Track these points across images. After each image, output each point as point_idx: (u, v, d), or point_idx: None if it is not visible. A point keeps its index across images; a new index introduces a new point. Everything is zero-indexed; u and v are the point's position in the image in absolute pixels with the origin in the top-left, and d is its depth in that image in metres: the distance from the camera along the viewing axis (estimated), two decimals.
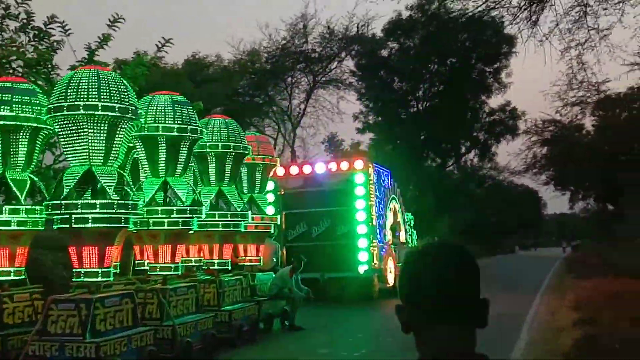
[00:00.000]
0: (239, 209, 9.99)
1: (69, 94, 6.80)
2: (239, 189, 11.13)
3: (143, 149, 8.20)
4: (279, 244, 13.78)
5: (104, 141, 6.89)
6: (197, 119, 8.56)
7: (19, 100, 7.25)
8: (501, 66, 43.08)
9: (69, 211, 6.69)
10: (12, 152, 7.33)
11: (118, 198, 7.01)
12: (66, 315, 6.68)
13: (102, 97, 6.80)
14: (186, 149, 8.27)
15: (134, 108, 7.10)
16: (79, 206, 6.69)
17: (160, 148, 8.10)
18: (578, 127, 37.83)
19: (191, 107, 8.47)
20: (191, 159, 9.49)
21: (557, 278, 24.94)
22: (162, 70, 23.44)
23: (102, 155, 6.91)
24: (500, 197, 57.66)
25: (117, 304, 7.06)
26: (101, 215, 6.73)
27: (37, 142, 7.54)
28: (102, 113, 6.76)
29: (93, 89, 6.79)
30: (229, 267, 10.28)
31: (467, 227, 44.45)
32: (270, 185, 16.33)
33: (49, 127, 7.34)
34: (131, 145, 8.16)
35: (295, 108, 36.58)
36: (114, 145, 7.00)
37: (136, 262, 9.71)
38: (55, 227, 6.91)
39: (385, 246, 16.83)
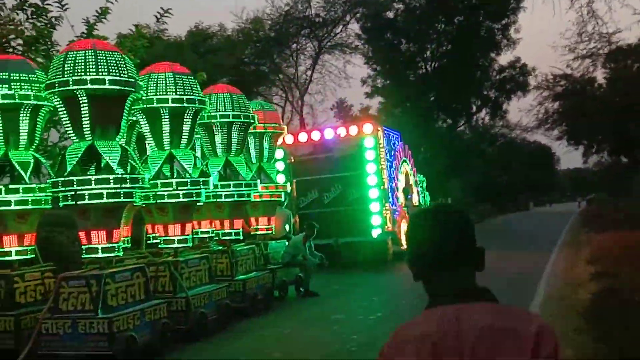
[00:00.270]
0: (247, 179, 9.90)
1: (66, 69, 6.67)
2: (247, 158, 11.03)
3: (146, 122, 8.09)
4: (290, 212, 13.70)
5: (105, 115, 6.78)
6: (199, 89, 8.42)
7: (17, 77, 7.13)
8: (509, 22, 42.26)
9: (73, 188, 6.62)
10: (13, 132, 7.23)
11: (123, 173, 6.93)
12: (77, 292, 6.66)
13: (100, 71, 6.66)
14: (190, 119, 8.15)
15: (133, 81, 6.96)
16: (83, 182, 6.61)
17: (163, 120, 7.98)
18: (590, 80, 37.24)
19: (192, 77, 8.32)
20: (196, 130, 9.40)
21: (573, 233, 24.82)
22: (165, 42, 23.24)
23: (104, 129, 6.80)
24: (513, 155, 57.26)
25: (129, 278, 7.03)
26: (106, 191, 6.65)
27: (38, 119, 7.43)
28: (101, 87, 6.63)
29: (90, 63, 6.66)
30: (241, 237, 10.23)
31: (479, 186, 44.24)
32: (279, 154, 16.22)
33: (49, 104, 7.23)
34: (134, 119, 8.05)
35: (302, 75, 36.28)
36: (116, 119, 6.89)
37: (148, 235, 9.69)
38: (60, 204, 6.84)
39: (398, 209, 16.74)
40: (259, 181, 10.47)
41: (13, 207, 7.06)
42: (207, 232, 10.29)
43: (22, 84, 7.13)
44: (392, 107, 42.41)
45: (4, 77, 7.10)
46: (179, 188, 7.95)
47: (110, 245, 6.90)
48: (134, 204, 7.63)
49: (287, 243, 11.78)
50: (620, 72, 34.14)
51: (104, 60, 6.72)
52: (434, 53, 43.06)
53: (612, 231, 19.37)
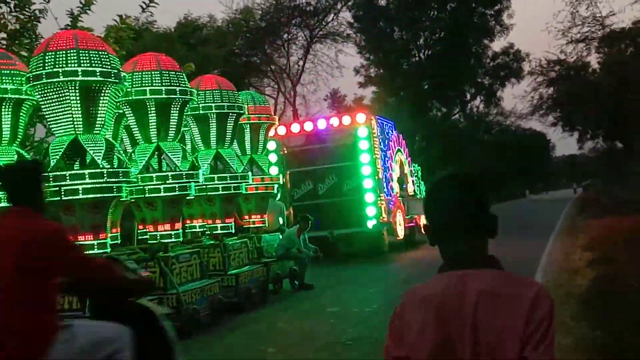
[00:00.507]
0: (238, 171, 9.73)
1: (46, 60, 6.48)
2: (240, 150, 10.85)
3: (132, 115, 7.90)
4: (283, 204, 13.54)
5: (88, 108, 6.58)
6: (185, 79, 8.22)
7: None
8: (502, 8, 42.17)
9: (57, 183, 6.44)
10: None
11: (109, 167, 6.76)
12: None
13: (82, 62, 6.47)
14: (177, 111, 7.96)
15: (116, 72, 6.78)
16: (68, 177, 6.44)
17: (149, 112, 7.79)
18: (584, 65, 37.13)
19: (179, 70, 8.12)
20: (185, 122, 9.21)
21: (570, 219, 24.75)
22: (155, 34, 22.98)
23: (87, 123, 6.62)
24: (508, 143, 57.16)
25: None
26: (91, 186, 6.48)
27: (21, 114, 7.23)
28: (83, 78, 6.44)
29: (72, 54, 6.47)
30: (233, 231, 10.07)
31: (475, 174, 44.13)
32: (272, 145, 16.05)
33: (32, 97, 7.04)
34: (119, 112, 7.85)
35: (294, 65, 36.04)
36: (99, 112, 6.70)
37: (139, 231, 9.52)
38: (45, 200, 6.65)
39: (393, 199, 16.58)
40: (250, 173, 10.30)
41: None
42: (200, 227, 10.13)
43: (3, 78, 6.93)
44: (386, 97, 42.26)
45: None
46: (167, 182, 7.78)
47: (98, 241, 6.73)
48: (121, 199, 7.46)
49: (280, 236, 11.62)
50: (614, 56, 34.00)
51: (86, 52, 6.52)
52: (427, 41, 42.91)
53: (609, 217, 19.30)
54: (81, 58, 6.47)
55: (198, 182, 8.48)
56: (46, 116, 6.74)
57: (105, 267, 3.22)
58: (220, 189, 9.49)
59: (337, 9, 36.02)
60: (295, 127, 16.55)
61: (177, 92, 7.80)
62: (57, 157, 6.57)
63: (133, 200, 8.01)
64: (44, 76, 6.46)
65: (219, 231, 9.73)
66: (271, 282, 10.67)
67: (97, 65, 6.55)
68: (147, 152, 7.88)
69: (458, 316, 1.62)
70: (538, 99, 39.11)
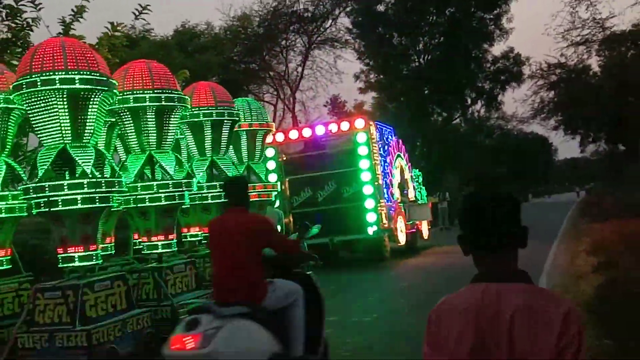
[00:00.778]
0: None
1: (33, 68, 6.30)
2: (237, 158, 10.66)
3: (124, 123, 7.70)
4: (281, 212, 13.34)
5: (76, 116, 6.40)
6: (178, 86, 8.04)
7: None
8: (501, 12, 42.02)
9: (45, 194, 6.25)
10: None
11: (99, 176, 6.57)
12: (54, 304, 6.29)
13: (69, 68, 6.29)
14: (169, 119, 7.76)
15: (105, 79, 6.60)
16: (56, 188, 6.25)
17: (141, 120, 7.59)
18: (584, 68, 36.97)
19: (170, 75, 7.94)
20: (180, 130, 9.03)
21: (573, 223, 24.52)
22: (152, 42, 22.84)
23: (76, 131, 6.43)
24: (510, 147, 56.98)
25: (109, 287, 6.66)
26: (80, 196, 6.29)
27: (9, 123, 7.07)
28: (70, 86, 6.26)
29: (58, 61, 6.29)
30: None
31: (476, 179, 43.95)
32: (270, 152, 15.88)
33: (20, 106, 6.87)
34: (110, 120, 7.68)
35: (293, 72, 35.90)
36: (88, 120, 6.52)
37: (135, 241, 9.33)
38: (34, 212, 6.49)
39: (393, 205, 16.39)
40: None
41: None
42: (197, 236, 9.94)
43: None
44: (386, 102, 42.11)
45: None
46: (160, 191, 7.58)
47: (88, 253, 6.54)
48: (112, 209, 7.27)
49: None
50: (615, 59, 33.84)
51: (73, 57, 6.35)
52: (427, 46, 42.76)
53: (612, 220, 19.08)
54: (68, 65, 6.29)
55: (192, 190, 8.30)
56: (33, 125, 6.55)
57: (294, 244, 5.31)
58: (215, 197, 9.30)
59: (335, 15, 35.95)
60: (293, 134, 16.38)
61: (169, 99, 7.60)
62: (45, 167, 6.38)
63: (124, 209, 7.83)
64: (30, 84, 6.27)
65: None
66: None
67: (85, 72, 6.37)
68: (138, 161, 7.68)
69: (495, 327, 1.77)
70: (539, 102, 39.00)
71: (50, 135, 6.46)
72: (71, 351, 6.10)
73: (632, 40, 33.57)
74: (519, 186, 66.94)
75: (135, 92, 7.50)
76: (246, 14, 32.98)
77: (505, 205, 1.92)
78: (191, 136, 9.32)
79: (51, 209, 6.28)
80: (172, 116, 7.82)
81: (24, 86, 6.32)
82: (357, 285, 12.18)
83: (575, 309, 1.79)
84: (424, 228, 19.26)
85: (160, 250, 7.86)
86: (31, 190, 6.32)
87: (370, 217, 15.19)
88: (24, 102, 6.47)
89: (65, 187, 6.28)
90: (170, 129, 7.84)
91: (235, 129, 10.22)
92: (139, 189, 7.51)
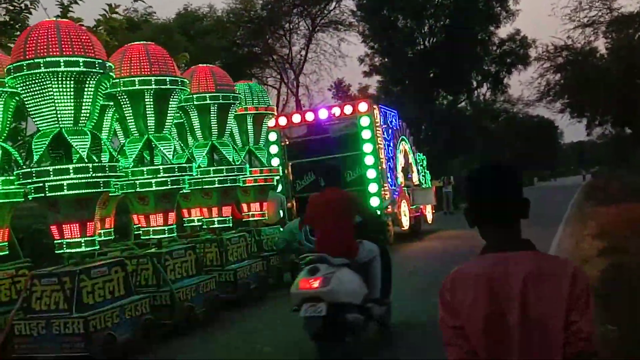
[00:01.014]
0: (236, 163, 9.43)
1: (27, 50, 6.18)
2: (241, 141, 10.56)
3: (120, 107, 7.58)
4: (283, 196, 13.22)
5: (72, 100, 6.28)
6: (177, 69, 7.91)
7: None
8: None
9: (41, 179, 6.17)
10: None
11: (95, 161, 6.47)
12: (50, 291, 6.23)
13: (64, 51, 6.17)
14: (167, 102, 7.64)
15: (101, 62, 6.47)
16: (52, 173, 6.15)
17: (137, 103, 7.48)
18: (591, 50, 36.52)
19: (169, 57, 7.81)
20: (179, 114, 8.91)
21: (579, 206, 24.35)
22: (154, 25, 22.63)
23: (72, 115, 6.32)
24: (516, 130, 56.63)
25: (106, 273, 6.59)
26: (77, 181, 6.20)
27: (4, 107, 6.96)
28: (66, 69, 6.14)
29: (53, 43, 6.16)
30: (230, 225, 9.78)
31: (481, 163, 43.77)
32: (272, 136, 15.75)
33: (15, 90, 6.75)
34: (106, 104, 7.56)
35: (296, 55, 35.59)
36: (84, 104, 6.40)
37: (135, 226, 9.25)
38: (30, 197, 6.40)
39: (397, 189, 16.26)
40: (247, 165, 10.01)
41: None
42: (197, 220, 9.87)
43: None
44: (391, 86, 41.80)
45: None
46: (159, 175, 7.49)
47: (86, 238, 6.46)
48: (111, 194, 7.18)
49: (281, 229, 11.33)
50: (623, 41, 33.41)
51: (68, 40, 6.22)
52: (432, 28, 42.31)
53: (618, 204, 18.91)
54: (63, 47, 6.17)
55: (192, 175, 8.20)
56: (29, 109, 6.44)
57: (374, 212, 7.56)
58: (217, 181, 9.21)
59: None
60: (296, 118, 16.20)
61: (167, 82, 7.49)
62: (41, 151, 6.27)
63: (123, 194, 7.74)
64: (24, 67, 6.16)
65: (216, 225, 9.45)
66: (271, 277, 10.38)
67: (80, 55, 6.24)
68: (137, 145, 7.58)
69: (507, 293, 1.86)
70: (545, 85, 38.49)
71: (45, 119, 6.35)
72: (68, 338, 6.05)
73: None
74: (524, 170, 66.75)
75: (133, 75, 7.38)
76: None
77: (506, 175, 1.99)
78: (190, 120, 9.21)
79: (47, 195, 6.19)
80: (171, 99, 7.69)
81: (18, 69, 6.20)
82: None
83: (580, 268, 1.91)
84: (428, 212, 19.14)
85: (159, 236, 7.78)
86: (26, 175, 6.23)
87: (374, 202, 15.06)
88: (19, 85, 6.36)
89: (60, 172, 6.18)
90: (169, 112, 7.72)
91: (240, 112, 10.11)
92: (137, 173, 7.42)
